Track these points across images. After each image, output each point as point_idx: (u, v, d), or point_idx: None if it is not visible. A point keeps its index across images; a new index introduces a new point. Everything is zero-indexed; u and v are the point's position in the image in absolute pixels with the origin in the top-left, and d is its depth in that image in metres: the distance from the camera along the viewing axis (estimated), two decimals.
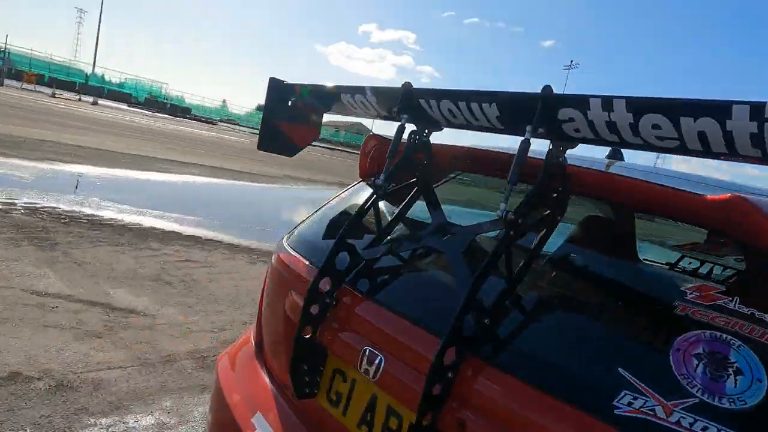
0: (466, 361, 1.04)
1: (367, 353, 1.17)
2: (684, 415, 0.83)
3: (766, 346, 0.85)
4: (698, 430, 0.81)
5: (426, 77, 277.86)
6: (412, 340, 1.14)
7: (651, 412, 0.85)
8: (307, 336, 1.29)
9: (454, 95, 1.21)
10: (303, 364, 1.29)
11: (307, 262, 1.53)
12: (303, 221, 1.87)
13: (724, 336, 0.88)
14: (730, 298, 0.93)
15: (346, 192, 1.87)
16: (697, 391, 0.85)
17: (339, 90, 1.54)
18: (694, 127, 0.88)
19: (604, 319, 1.15)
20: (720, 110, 0.84)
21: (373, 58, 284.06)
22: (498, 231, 1.21)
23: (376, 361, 1.15)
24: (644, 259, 2.06)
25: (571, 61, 62.26)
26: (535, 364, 1.03)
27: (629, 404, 0.87)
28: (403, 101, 1.30)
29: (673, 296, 1.00)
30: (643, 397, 0.88)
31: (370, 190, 1.40)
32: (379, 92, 1.40)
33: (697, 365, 0.88)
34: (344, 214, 1.72)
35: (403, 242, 1.37)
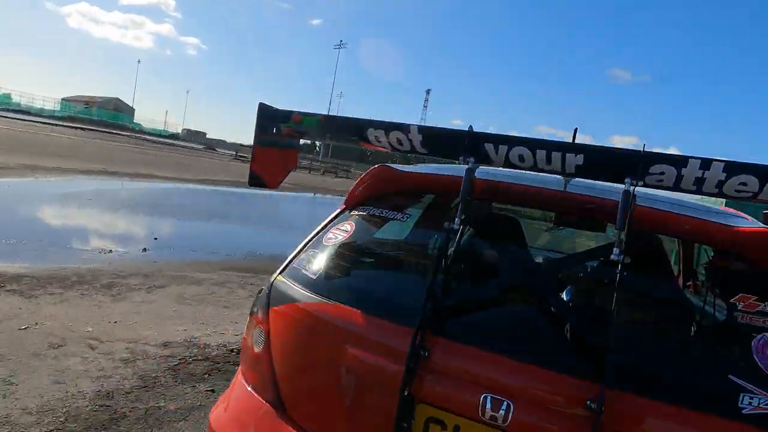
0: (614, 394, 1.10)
1: (488, 400, 1.17)
2: None
3: None
4: None
5: (192, 49, 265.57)
6: (545, 385, 1.18)
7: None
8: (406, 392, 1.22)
9: (531, 143, 1.26)
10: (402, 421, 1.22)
11: (356, 310, 1.41)
12: (297, 257, 1.70)
13: None
14: (765, 304, 1.17)
15: (339, 221, 1.73)
16: None
17: (367, 125, 1.45)
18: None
19: (695, 336, 1.35)
20: None
21: (126, 24, 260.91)
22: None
23: (503, 407, 1.15)
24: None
25: (341, 41, 61.60)
26: (667, 384, 1.17)
27: (750, 404, 1.09)
28: (469, 145, 1.32)
29: (728, 308, 1.21)
30: (757, 396, 1.10)
31: (365, 219, 1.54)
32: (432, 133, 1.39)
33: None
34: (353, 246, 1.63)
35: (484, 281, 1.41)
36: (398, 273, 1.65)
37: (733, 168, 1.16)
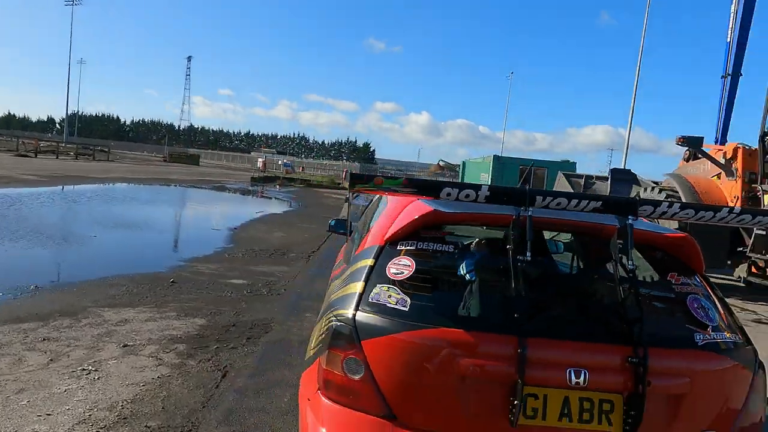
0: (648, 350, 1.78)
1: (572, 372, 1.75)
2: (715, 335, 1.93)
3: (709, 296, 2.06)
4: (720, 339, 1.93)
5: None
6: (603, 353, 1.82)
7: (712, 338, 1.91)
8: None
9: (568, 196, 1.90)
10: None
11: (458, 329, 1.83)
12: (368, 293, 1.95)
13: (696, 295, 2.03)
14: (684, 277, 2.09)
15: (391, 256, 2.04)
16: (710, 322, 1.96)
17: (443, 185, 1.93)
18: None
19: (662, 303, 2.13)
20: None
21: None
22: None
23: (582, 374, 1.75)
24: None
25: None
26: (662, 336, 1.88)
27: (701, 339, 1.91)
28: (528, 200, 1.89)
29: (666, 284, 2.09)
30: (700, 333, 1.92)
31: (417, 252, 2.04)
32: (497, 191, 1.94)
33: (700, 310, 1.98)
34: (425, 278, 1.99)
35: (540, 289, 2.07)
36: (474, 294, 1.97)
37: (588, 198, 1.91)
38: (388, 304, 1.91)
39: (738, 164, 9.49)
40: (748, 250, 9.31)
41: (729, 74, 37.24)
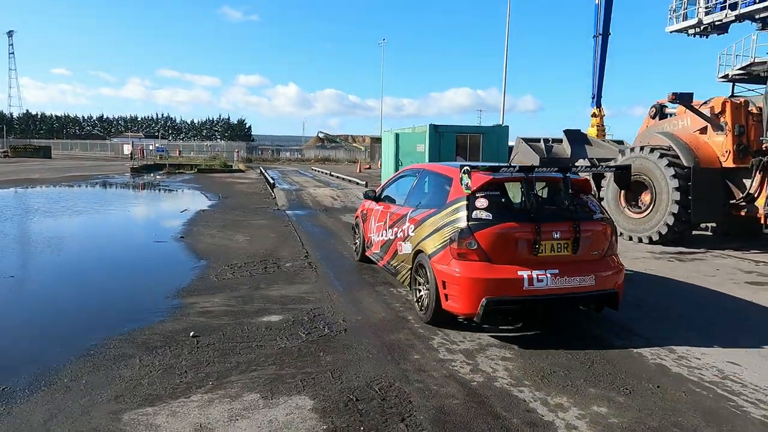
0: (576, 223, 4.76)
1: (558, 233, 4.69)
2: (599, 215, 5.14)
3: (594, 202, 5.24)
4: (600, 216, 5.09)
5: None
6: (560, 225, 4.75)
7: (598, 216, 5.11)
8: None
9: (546, 167, 6.29)
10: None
11: (513, 223, 4.67)
12: (472, 212, 4.68)
13: (592, 201, 5.22)
14: (583, 196, 5.20)
15: (472, 200, 4.75)
16: (597, 210, 5.16)
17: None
18: None
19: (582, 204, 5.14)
20: None
21: None
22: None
23: (557, 233, 4.67)
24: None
25: None
26: (582, 216, 4.87)
27: (594, 214, 5.06)
28: (532, 171, 4.99)
29: (580, 196, 5.18)
30: (595, 213, 5.12)
31: (486, 195, 4.79)
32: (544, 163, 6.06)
33: (593, 206, 5.14)
34: (493, 204, 4.74)
35: (545, 204, 5.06)
36: (514, 205, 4.92)
37: (553, 167, 5.98)
38: (482, 217, 4.71)
39: (727, 118, 9.52)
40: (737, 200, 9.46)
41: (600, 34, 40.04)
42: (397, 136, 18.89)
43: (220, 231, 10.44)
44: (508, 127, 18.86)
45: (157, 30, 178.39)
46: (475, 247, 4.61)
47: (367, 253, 7.28)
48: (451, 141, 18.01)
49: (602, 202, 11.20)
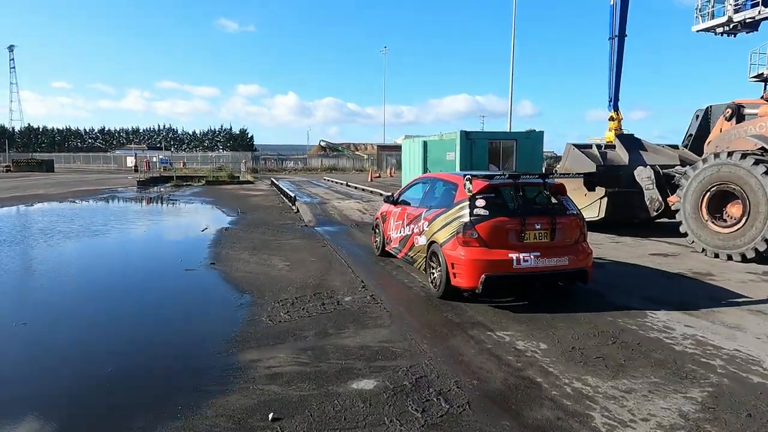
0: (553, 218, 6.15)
1: (539, 224, 6.03)
2: (572, 210, 6.55)
3: (569, 200, 6.59)
4: (573, 211, 6.46)
5: None
6: (540, 219, 6.07)
7: (571, 212, 6.45)
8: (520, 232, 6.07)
9: (530, 175, 6.98)
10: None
11: (505, 218, 6.04)
12: (473, 210, 6.00)
13: (567, 199, 6.57)
14: (560, 197, 6.56)
15: (474, 201, 6.10)
16: (571, 206, 6.54)
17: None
18: None
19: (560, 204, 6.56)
20: None
21: None
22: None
23: (539, 225, 6.02)
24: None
25: None
26: (558, 211, 6.31)
27: (568, 210, 6.43)
28: (518, 178, 6.47)
29: (557, 197, 6.60)
30: (569, 209, 6.49)
31: (483, 197, 6.15)
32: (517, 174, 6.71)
33: (567, 203, 6.49)
34: (489, 204, 6.11)
35: (529, 202, 6.53)
36: (506, 203, 6.32)
37: (534, 174, 6.96)
38: (481, 213, 5.97)
39: None
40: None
41: (616, 36, 38.97)
42: (425, 144, 17.79)
43: (252, 254, 9.27)
44: (542, 132, 17.77)
45: (155, 42, 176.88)
46: (476, 236, 5.93)
47: (387, 248, 8.65)
48: (483, 148, 16.91)
49: (677, 214, 10.05)
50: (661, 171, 11.35)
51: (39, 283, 7.49)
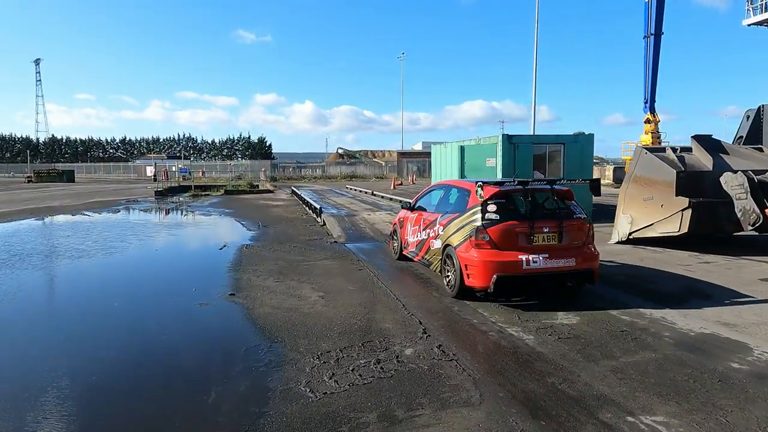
0: (561, 222, 6.44)
1: (546, 228, 6.30)
2: (580, 214, 6.76)
3: (576, 205, 6.86)
4: (582, 215, 6.72)
5: None
6: (548, 223, 6.34)
7: (578, 216, 6.69)
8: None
9: (539, 181, 7.46)
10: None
11: (515, 221, 6.34)
12: (484, 214, 6.36)
13: (574, 204, 6.85)
14: (568, 202, 6.82)
15: (485, 206, 6.46)
16: (579, 210, 6.81)
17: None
18: None
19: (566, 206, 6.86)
20: None
21: None
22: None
23: (546, 229, 6.28)
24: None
25: None
26: (565, 215, 6.57)
27: (575, 213, 6.69)
28: (528, 184, 6.86)
29: (563, 203, 6.83)
30: (575, 213, 6.73)
31: (494, 202, 6.46)
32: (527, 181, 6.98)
33: (575, 208, 6.80)
34: (500, 209, 6.41)
35: (538, 207, 6.83)
36: (516, 208, 6.60)
37: (542, 181, 7.26)
38: (492, 217, 6.31)
39: None
40: None
41: (651, 34, 36.76)
42: (462, 149, 16.21)
43: (278, 281, 7.81)
44: (592, 135, 16.02)
45: (175, 54, 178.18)
46: (488, 239, 6.24)
47: (404, 252, 8.96)
48: (527, 153, 15.26)
49: None
50: (755, 177, 9.60)
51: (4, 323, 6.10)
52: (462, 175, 16.28)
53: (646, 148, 10.88)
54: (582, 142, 15.74)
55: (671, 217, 9.94)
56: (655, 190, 10.36)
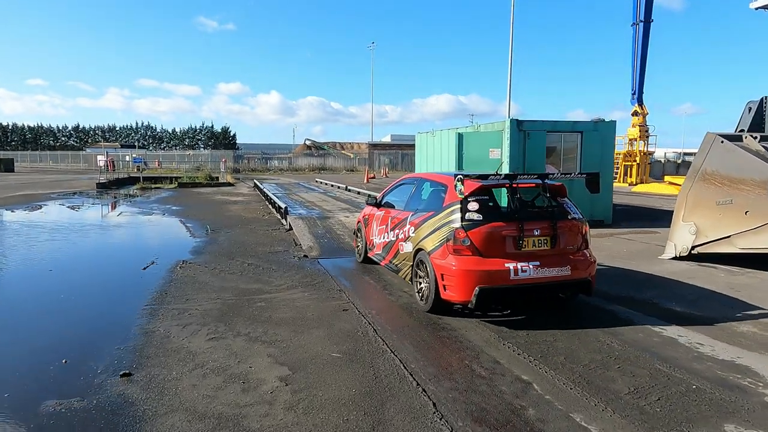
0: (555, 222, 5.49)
1: (537, 230, 5.35)
2: (575, 214, 5.90)
3: (570, 203, 5.89)
4: (576, 216, 5.80)
5: None
6: (540, 224, 5.41)
7: (573, 216, 5.81)
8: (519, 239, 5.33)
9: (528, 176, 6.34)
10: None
11: (501, 222, 5.35)
12: (465, 213, 5.32)
13: (568, 202, 5.90)
14: (562, 199, 5.89)
15: (465, 203, 5.41)
16: (573, 210, 5.86)
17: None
18: None
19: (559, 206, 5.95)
20: None
21: None
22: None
23: (537, 230, 5.35)
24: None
25: None
26: (560, 215, 5.66)
27: (569, 214, 5.74)
28: (514, 179, 5.97)
29: (557, 198, 5.93)
30: (571, 213, 5.78)
31: (476, 199, 5.50)
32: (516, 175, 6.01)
33: (568, 207, 5.86)
34: (482, 208, 5.42)
35: (525, 205, 5.86)
36: (500, 208, 5.74)
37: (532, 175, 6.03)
38: (473, 217, 5.22)
39: None
40: None
41: (640, 21, 34.58)
42: (460, 137, 13.31)
43: (214, 337, 4.80)
44: (614, 123, 13.47)
45: (134, 40, 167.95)
46: (468, 243, 5.23)
47: (369, 254, 7.88)
48: (539, 142, 12.58)
49: None
50: None
51: None
52: (459, 170, 13.46)
53: (722, 136, 8.25)
54: (603, 131, 13.16)
55: (762, 228, 7.38)
56: (736, 192, 7.78)
